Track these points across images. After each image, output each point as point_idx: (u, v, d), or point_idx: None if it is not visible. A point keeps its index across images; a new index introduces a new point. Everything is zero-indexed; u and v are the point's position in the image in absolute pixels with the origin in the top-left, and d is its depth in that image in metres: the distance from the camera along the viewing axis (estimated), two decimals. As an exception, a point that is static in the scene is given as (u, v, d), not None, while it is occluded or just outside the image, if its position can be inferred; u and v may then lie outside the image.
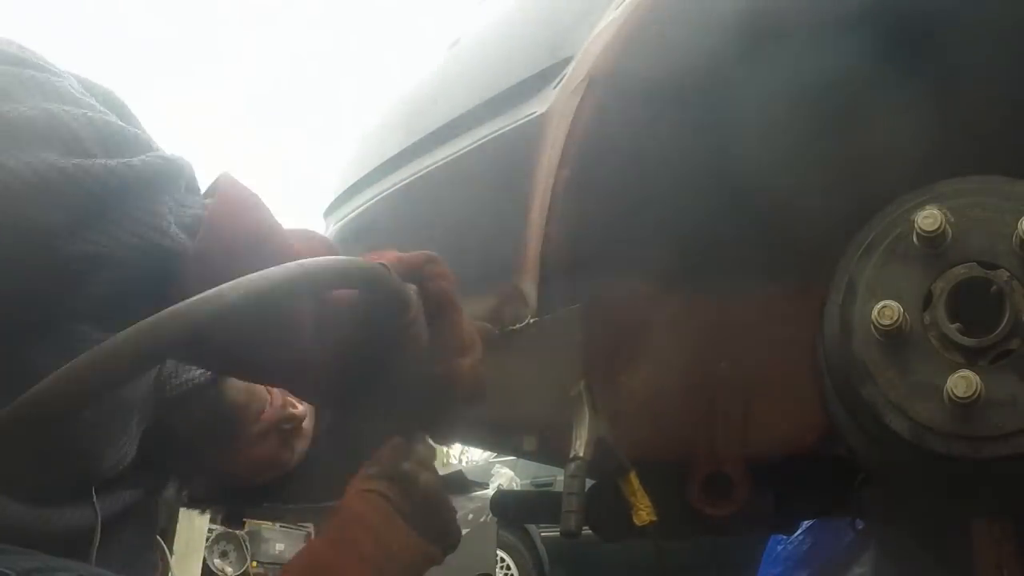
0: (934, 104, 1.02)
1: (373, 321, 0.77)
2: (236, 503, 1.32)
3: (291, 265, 0.64)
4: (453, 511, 0.85)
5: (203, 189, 0.78)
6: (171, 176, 0.70)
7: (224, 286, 0.59)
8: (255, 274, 0.61)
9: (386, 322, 0.77)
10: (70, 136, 0.66)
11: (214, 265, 0.67)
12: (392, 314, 0.77)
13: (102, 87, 0.88)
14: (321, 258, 0.68)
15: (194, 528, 4.28)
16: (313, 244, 0.78)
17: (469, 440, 1.92)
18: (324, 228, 1.70)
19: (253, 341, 0.71)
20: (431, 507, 0.82)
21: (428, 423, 0.86)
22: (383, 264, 0.75)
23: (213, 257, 0.68)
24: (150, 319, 0.56)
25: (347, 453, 0.97)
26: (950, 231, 0.94)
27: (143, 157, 0.68)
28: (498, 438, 1.69)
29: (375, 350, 0.78)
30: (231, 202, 0.72)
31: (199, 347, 0.70)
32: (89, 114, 0.69)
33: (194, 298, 0.58)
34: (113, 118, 0.72)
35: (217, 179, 0.76)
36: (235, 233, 0.71)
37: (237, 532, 4.66)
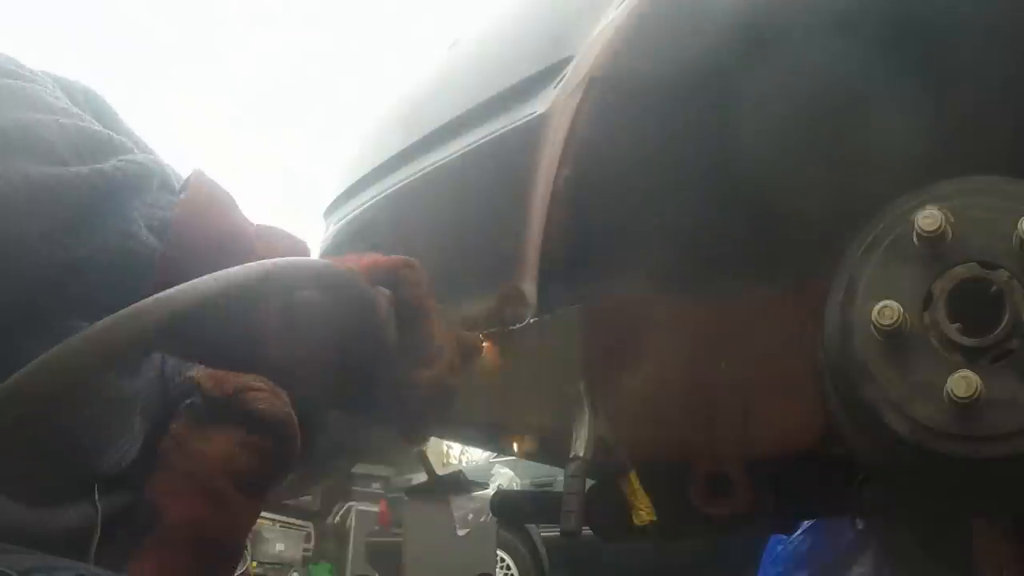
0: (934, 104, 1.02)
1: (340, 323, 0.78)
2: None
3: (259, 264, 0.66)
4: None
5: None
6: (142, 179, 0.71)
7: (185, 285, 0.61)
8: (219, 273, 0.63)
9: (353, 325, 0.78)
10: (42, 145, 0.68)
11: (181, 267, 0.69)
12: (359, 318, 0.78)
13: (80, 84, 0.89)
14: (289, 259, 0.70)
15: (194, 528, 4.28)
16: (281, 244, 0.79)
17: (469, 440, 1.92)
18: (324, 228, 1.70)
19: (217, 336, 0.72)
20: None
21: (394, 424, 0.87)
22: (352, 268, 0.76)
23: (179, 260, 0.70)
24: (110, 317, 0.58)
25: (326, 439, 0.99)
26: (950, 231, 0.94)
27: (114, 163, 0.70)
28: (498, 438, 1.69)
29: (343, 351, 0.79)
30: (198, 205, 0.74)
31: (165, 342, 0.72)
32: (62, 120, 0.70)
33: (153, 297, 0.60)
34: (87, 122, 0.73)
35: (189, 176, 0.77)
36: (200, 236, 0.72)
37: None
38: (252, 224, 0.79)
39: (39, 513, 0.86)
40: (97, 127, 0.73)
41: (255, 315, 0.73)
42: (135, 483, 1.00)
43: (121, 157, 0.71)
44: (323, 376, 0.80)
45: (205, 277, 0.62)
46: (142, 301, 0.59)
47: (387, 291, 0.81)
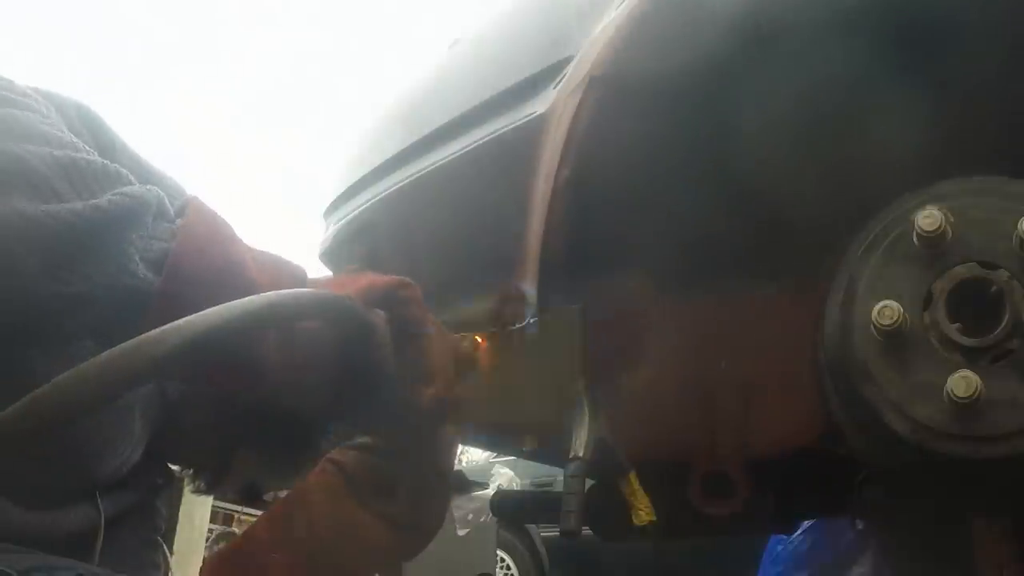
0: (934, 104, 1.02)
1: (339, 350, 0.78)
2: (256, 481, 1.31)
3: (256, 299, 0.66)
4: (428, 493, 0.85)
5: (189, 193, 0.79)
6: (137, 212, 0.71)
7: (187, 319, 0.61)
8: (218, 307, 0.63)
9: (351, 350, 0.79)
10: (37, 179, 0.68)
11: (178, 300, 0.69)
12: (357, 343, 0.78)
13: (73, 100, 0.89)
14: (286, 292, 0.70)
15: (194, 528, 4.29)
16: (279, 272, 0.79)
17: (469, 440, 1.92)
18: (324, 228, 1.70)
19: (220, 368, 0.73)
20: (394, 483, 0.81)
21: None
22: (347, 296, 0.77)
23: (177, 293, 0.70)
24: (107, 354, 0.58)
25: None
26: (950, 231, 0.94)
27: (109, 196, 0.70)
28: (498, 438, 1.69)
29: (342, 376, 0.80)
30: (193, 236, 0.74)
31: (171, 371, 0.72)
32: (55, 152, 0.71)
33: (156, 331, 0.60)
34: (81, 151, 0.73)
35: (186, 203, 0.77)
36: (197, 268, 0.72)
37: (238, 531, 4.66)
38: (250, 252, 0.78)
39: (42, 516, 0.86)
40: (91, 156, 0.74)
41: (257, 344, 0.73)
42: (136, 486, 1.00)
43: (116, 190, 0.71)
44: (324, 399, 0.81)
45: (212, 309, 0.63)
46: (149, 332, 0.60)
47: (383, 313, 0.82)
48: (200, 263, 0.72)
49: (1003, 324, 0.91)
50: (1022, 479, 0.96)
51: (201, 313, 0.62)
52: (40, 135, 0.72)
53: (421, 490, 0.83)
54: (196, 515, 4.28)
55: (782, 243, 1.14)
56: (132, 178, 0.75)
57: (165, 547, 1.07)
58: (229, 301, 0.65)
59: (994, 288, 0.92)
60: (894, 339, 0.93)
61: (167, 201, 0.75)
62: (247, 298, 0.65)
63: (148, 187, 0.74)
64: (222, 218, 0.78)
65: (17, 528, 0.82)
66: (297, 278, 0.81)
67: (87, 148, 0.76)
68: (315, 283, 0.83)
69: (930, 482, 1.04)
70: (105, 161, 0.74)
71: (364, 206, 1.49)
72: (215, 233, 0.76)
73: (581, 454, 1.05)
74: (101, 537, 0.92)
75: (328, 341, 0.78)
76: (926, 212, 0.93)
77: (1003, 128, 1.06)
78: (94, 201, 0.69)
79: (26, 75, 0.84)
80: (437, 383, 0.83)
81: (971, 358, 0.92)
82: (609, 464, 1.11)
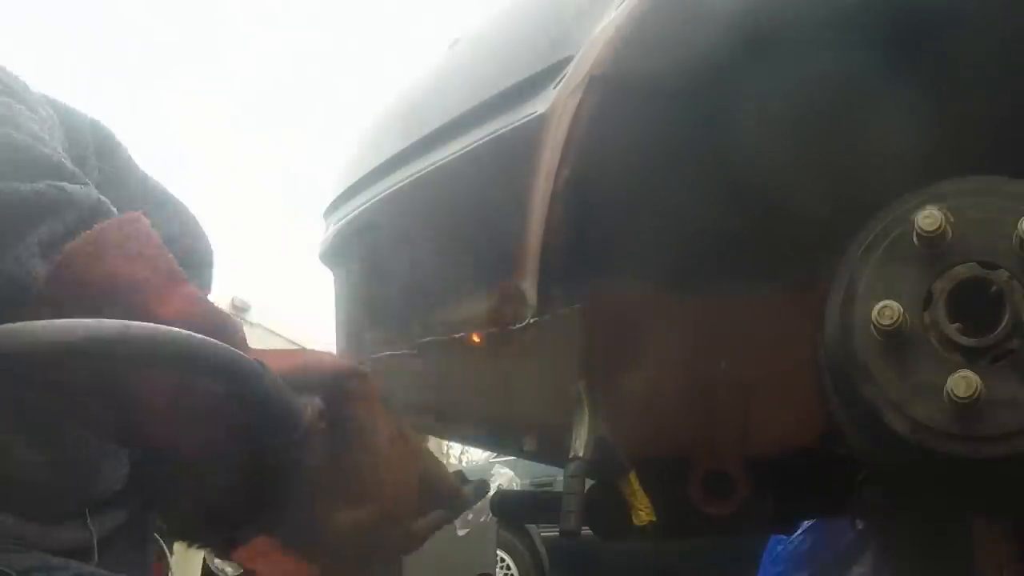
0: (934, 103, 1.02)
1: (247, 429, 0.63)
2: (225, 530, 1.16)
3: (122, 324, 0.56)
4: None
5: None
6: (59, 207, 0.67)
7: (35, 323, 0.55)
8: (78, 321, 0.56)
9: (263, 435, 0.63)
10: None
11: (56, 304, 0.64)
12: (265, 425, 0.62)
13: (88, 117, 0.91)
14: (166, 329, 0.57)
15: (194, 528, 4.28)
16: (182, 308, 0.65)
17: (469, 440, 1.92)
18: (324, 228, 1.70)
19: (83, 392, 0.64)
20: None
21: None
22: (262, 364, 0.61)
23: (55, 296, 0.65)
24: None
25: None
26: (950, 231, 0.94)
27: (35, 185, 0.67)
28: (498, 438, 1.69)
29: (240, 458, 0.65)
30: (93, 244, 0.66)
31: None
32: (13, 134, 0.70)
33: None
34: (22, 136, 0.71)
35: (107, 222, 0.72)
36: (83, 279, 0.65)
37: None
38: (168, 281, 0.67)
39: (41, 529, 0.85)
40: (44, 149, 0.71)
41: (126, 382, 0.62)
42: (128, 502, 0.99)
43: (49, 181, 0.68)
44: (230, 477, 0.66)
45: (53, 322, 0.55)
46: None
47: (316, 402, 0.66)
48: (88, 272, 0.65)
49: (1003, 324, 0.91)
50: (1022, 479, 0.96)
51: (47, 322, 0.55)
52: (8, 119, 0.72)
53: None
54: (196, 515, 4.28)
55: (782, 243, 1.14)
56: (88, 181, 0.71)
57: (165, 547, 1.06)
58: (108, 318, 0.57)
59: (994, 288, 0.92)
60: (894, 339, 0.93)
61: (108, 207, 0.70)
62: (109, 321, 0.56)
63: (89, 191, 0.70)
64: (149, 237, 0.69)
65: (15, 538, 0.82)
66: (213, 324, 0.64)
67: (60, 150, 0.74)
68: (258, 352, 0.67)
69: (930, 482, 1.04)
70: (64, 159, 0.72)
71: (364, 206, 1.49)
72: (123, 248, 0.67)
73: (581, 454, 1.05)
74: (95, 556, 0.91)
75: (223, 409, 0.63)
76: (926, 212, 0.93)
77: (1003, 128, 1.06)
78: (15, 184, 0.66)
79: (26, 75, 0.84)
80: (367, 509, 0.67)
81: (971, 358, 0.91)
82: (609, 464, 1.11)
